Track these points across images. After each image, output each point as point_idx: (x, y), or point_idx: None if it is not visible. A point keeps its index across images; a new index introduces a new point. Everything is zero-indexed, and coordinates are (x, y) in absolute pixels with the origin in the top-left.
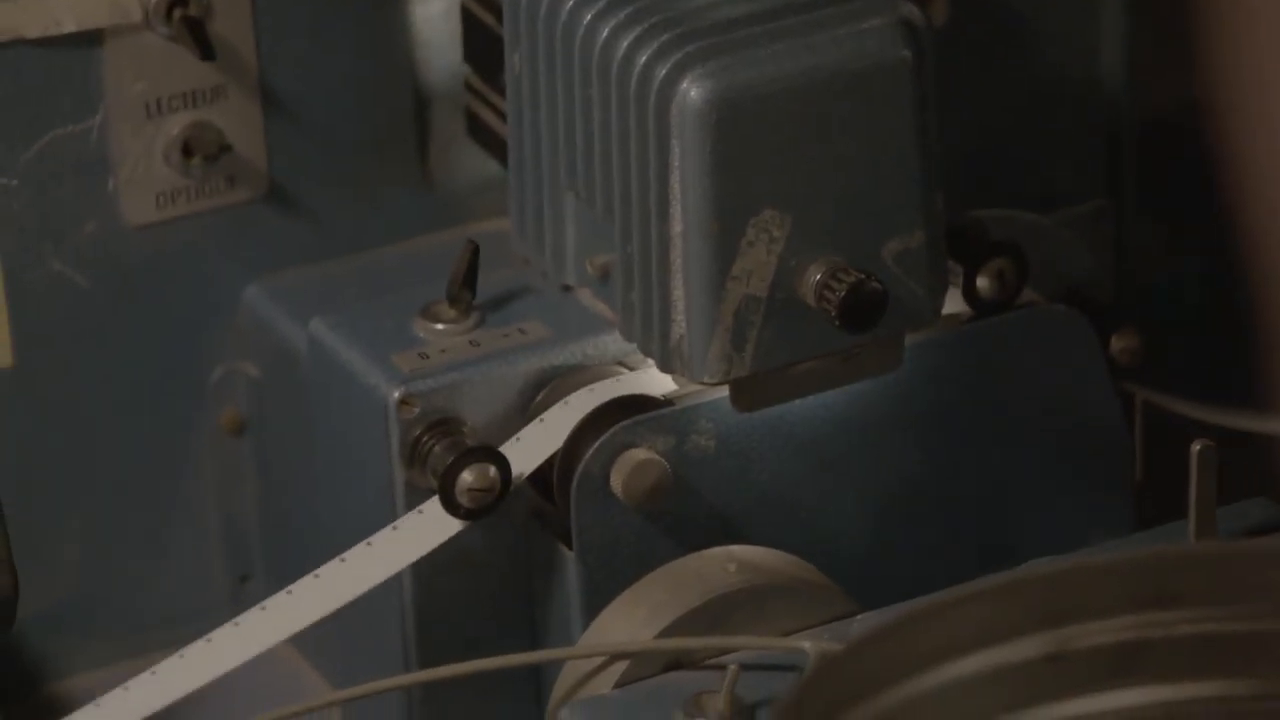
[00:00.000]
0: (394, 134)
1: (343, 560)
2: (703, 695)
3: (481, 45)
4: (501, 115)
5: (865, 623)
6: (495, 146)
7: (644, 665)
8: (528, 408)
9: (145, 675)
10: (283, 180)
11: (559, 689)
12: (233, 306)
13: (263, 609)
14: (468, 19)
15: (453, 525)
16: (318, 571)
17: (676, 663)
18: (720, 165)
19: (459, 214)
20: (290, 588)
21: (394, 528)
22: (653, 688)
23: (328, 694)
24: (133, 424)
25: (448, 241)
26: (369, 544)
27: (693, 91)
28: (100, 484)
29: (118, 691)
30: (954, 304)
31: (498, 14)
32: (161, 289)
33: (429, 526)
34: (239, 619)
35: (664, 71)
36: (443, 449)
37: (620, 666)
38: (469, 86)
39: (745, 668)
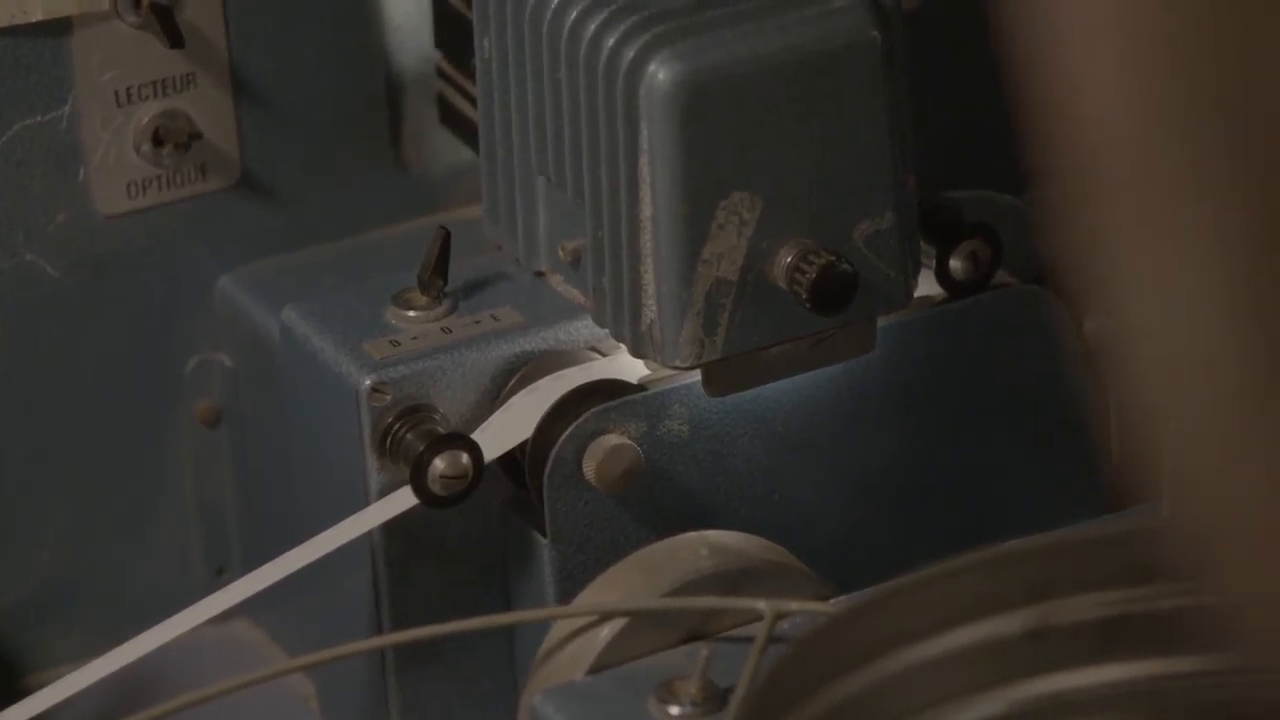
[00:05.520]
0: (366, 121)
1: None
2: (675, 681)
3: (452, 30)
4: (473, 101)
5: (842, 602)
6: (467, 132)
7: (617, 652)
8: (500, 394)
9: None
10: (255, 169)
11: (532, 679)
12: (206, 296)
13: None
14: (438, 4)
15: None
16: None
17: (650, 651)
18: (689, 148)
19: (433, 201)
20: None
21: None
22: (625, 674)
23: (293, 660)
24: (107, 415)
25: (422, 229)
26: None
27: (661, 74)
28: (75, 477)
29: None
30: (927, 286)
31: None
32: (134, 279)
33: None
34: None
35: (632, 54)
36: (414, 437)
37: (591, 657)
38: (440, 72)
39: (719, 653)
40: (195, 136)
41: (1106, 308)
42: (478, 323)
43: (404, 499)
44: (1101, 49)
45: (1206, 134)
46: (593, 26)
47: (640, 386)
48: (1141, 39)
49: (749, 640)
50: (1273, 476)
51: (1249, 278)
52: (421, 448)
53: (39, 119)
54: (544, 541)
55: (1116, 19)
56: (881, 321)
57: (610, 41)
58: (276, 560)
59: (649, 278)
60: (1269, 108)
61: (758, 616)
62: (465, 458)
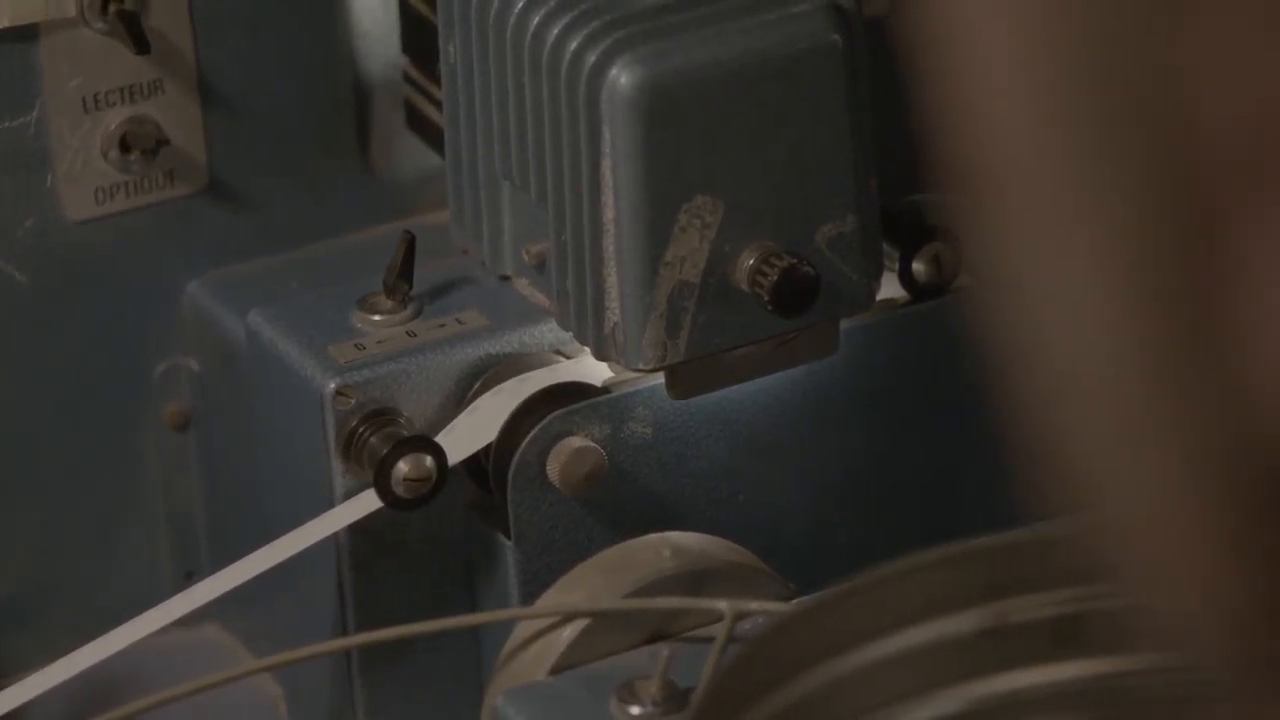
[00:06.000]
0: (334, 127)
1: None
2: (636, 681)
3: (419, 36)
4: (440, 106)
5: (801, 601)
6: (434, 137)
7: (579, 653)
8: (465, 397)
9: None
10: (222, 174)
11: (495, 680)
12: (175, 301)
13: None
14: (405, 10)
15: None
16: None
17: (613, 652)
18: (651, 151)
19: (402, 206)
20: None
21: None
22: (587, 674)
23: (257, 661)
24: (76, 421)
25: (390, 234)
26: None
27: (622, 78)
28: (43, 482)
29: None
30: (890, 289)
31: (434, 4)
32: (103, 284)
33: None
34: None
35: (594, 58)
36: (378, 440)
37: (554, 658)
38: (407, 78)
39: (680, 653)
40: (163, 142)
41: (1009, 306)
42: (442, 326)
43: (368, 501)
44: (998, 42)
45: (1103, 130)
46: (555, 30)
47: (604, 389)
48: (1039, 32)
49: (710, 640)
50: (1168, 475)
51: (1144, 274)
52: (385, 450)
53: (6, 125)
54: (508, 544)
55: (1013, 12)
56: (845, 324)
57: (573, 45)
58: (240, 562)
59: (611, 281)
60: (1164, 103)
61: (718, 617)
62: (429, 460)
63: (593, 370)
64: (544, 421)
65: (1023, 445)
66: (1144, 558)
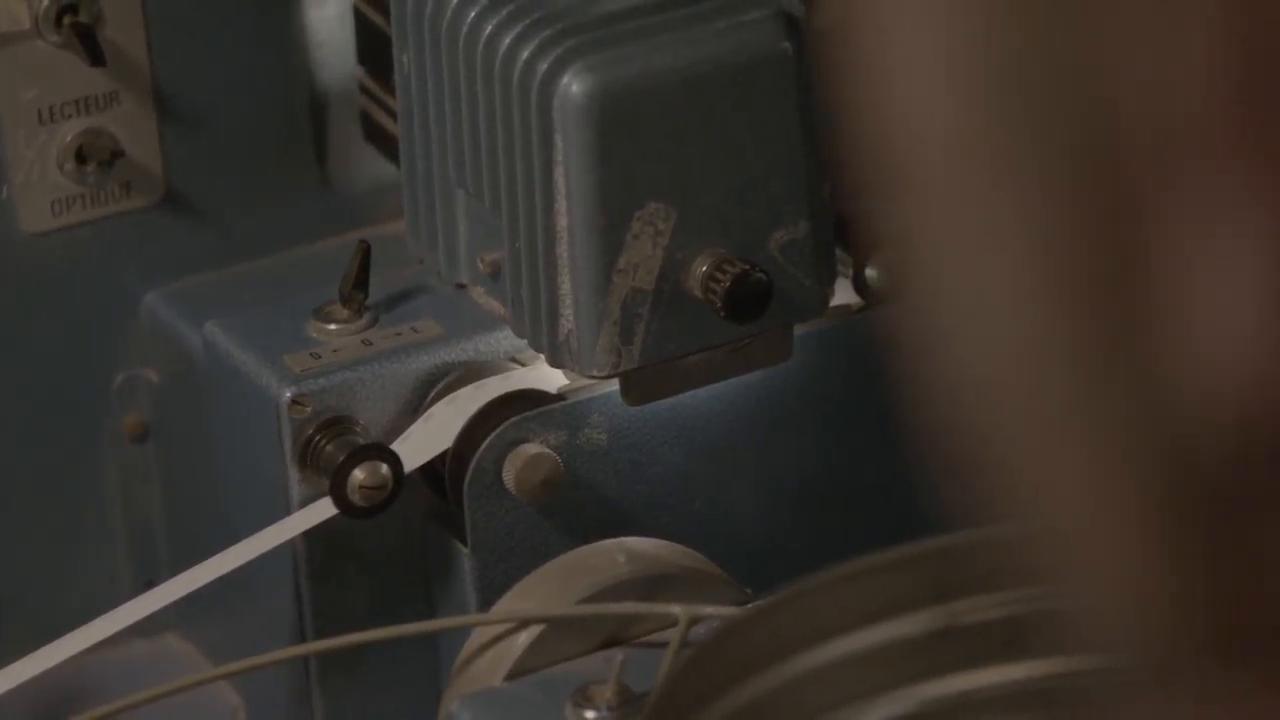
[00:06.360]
0: (291, 138)
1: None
2: (591, 686)
3: (374, 47)
4: (396, 117)
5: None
6: (391, 148)
7: (535, 658)
8: (421, 405)
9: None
10: (179, 186)
11: (451, 686)
12: (132, 313)
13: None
14: (361, 21)
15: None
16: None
17: (568, 657)
18: (603, 159)
19: (359, 217)
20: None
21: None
22: (542, 679)
23: (212, 670)
24: (35, 432)
25: (348, 245)
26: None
27: (574, 86)
28: (3, 493)
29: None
30: (844, 295)
31: (389, 15)
32: (60, 297)
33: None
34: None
35: (545, 67)
36: (334, 448)
37: (509, 664)
38: (363, 89)
39: (635, 658)
40: (118, 154)
41: (925, 309)
42: (398, 335)
43: (324, 509)
44: (918, 41)
45: (1023, 125)
46: (508, 39)
47: (559, 396)
48: (957, 31)
49: (665, 645)
50: (1095, 472)
51: (1066, 272)
52: (341, 458)
53: None
54: (465, 550)
55: (933, 11)
56: (798, 330)
57: (524, 54)
58: (195, 568)
59: (566, 288)
60: (1083, 97)
61: (673, 622)
62: (384, 468)
63: (548, 377)
64: (500, 428)
65: (954, 450)
66: (1075, 557)
